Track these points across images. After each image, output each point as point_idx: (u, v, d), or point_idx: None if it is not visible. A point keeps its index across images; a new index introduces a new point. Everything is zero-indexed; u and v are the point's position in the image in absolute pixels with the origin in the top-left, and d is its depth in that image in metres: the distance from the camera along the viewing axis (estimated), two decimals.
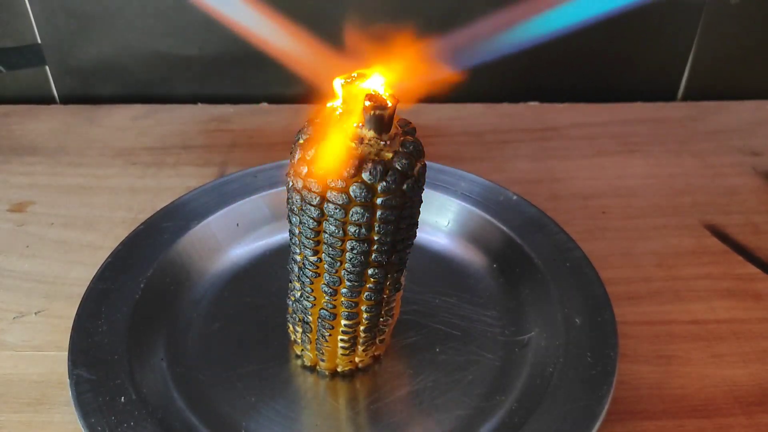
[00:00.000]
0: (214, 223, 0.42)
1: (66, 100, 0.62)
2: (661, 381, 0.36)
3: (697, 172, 0.52)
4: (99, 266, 0.38)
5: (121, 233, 0.41)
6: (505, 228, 0.42)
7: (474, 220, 0.43)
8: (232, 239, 0.43)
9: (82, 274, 0.42)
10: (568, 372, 0.33)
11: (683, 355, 0.38)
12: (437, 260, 0.42)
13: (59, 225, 0.47)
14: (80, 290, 0.37)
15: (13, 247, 0.45)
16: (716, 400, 0.35)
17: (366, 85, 0.28)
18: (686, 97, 0.63)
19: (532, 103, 0.61)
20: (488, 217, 0.42)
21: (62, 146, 0.55)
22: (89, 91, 0.62)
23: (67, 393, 0.32)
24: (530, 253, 0.40)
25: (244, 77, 0.62)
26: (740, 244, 0.45)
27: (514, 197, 0.43)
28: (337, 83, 0.28)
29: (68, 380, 0.32)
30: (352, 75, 0.28)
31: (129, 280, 0.38)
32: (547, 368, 0.34)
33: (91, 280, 0.37)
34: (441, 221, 0.44)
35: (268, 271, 0.42)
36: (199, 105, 0.61)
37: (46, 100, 0.62)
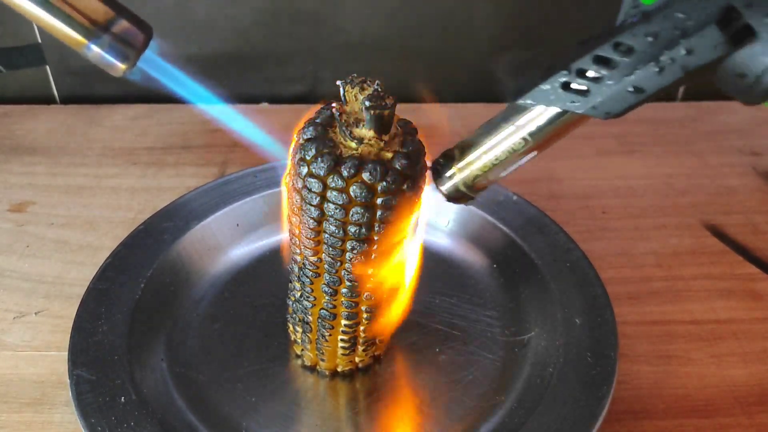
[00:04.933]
0: (214, 223, 0.42)
1: (66, 100, 0.62)
2: (661, 381, 0.36)
3: (697, 172, 0.52)
4: (99, 266, 0.38)
5: (121, 233, 0.41)
6: (505, 228, 0.42)
7: (474, 220, 0.43)
8: (232, 239, 0.43)
9: (82, 274, 0.42)
10: (568, 372, 0.33)
11: (683, 355, 0.38)
12: (437, 260, 0.42)
13: (59, 225, 0.47)
14: (80, 290, 0.37)
15: (13, 247, 0.45)
16: (716, 400, 0.35)
17: (366, 85, 0.28)
18: (686, 97, 0.63)
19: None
20: (488, 217, 0.42)
21: (62, 146, 0.55)
22: (89, 91, 0.62)
23: (67, 393, 0.32)
24: (530, 253, 0.40)
25: (245, 78, 0.62)
26: (740, 244, 0.45)
27: (514, 197, 0.43)
28: (339, 84, 0.28)
29: (68, 380, 0.32)
30: (353, 76, 0.28)
31: (129, 280, 0.38)
32: (547, 368, 0.34)
33: (91, 280, 0.37)
34: (441, 221, 0.44)
35: (268, 271, 0.42)
36: (199, 105, 0.61)
37: (46, 100, 0.62)
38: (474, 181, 0.29)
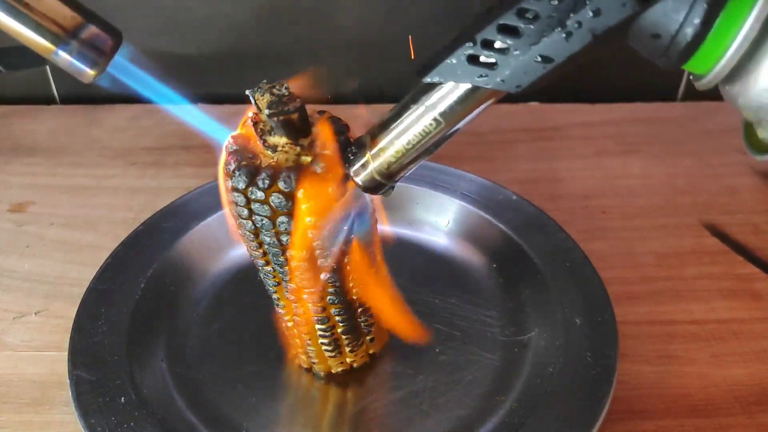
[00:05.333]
0: (214, 223, 0.42)
1: (66, 100, 0.62)
2: (661, 381, 0.36)
3: (696, 172, 0.52)
4: (99, 266, 0.38)
5: (121, 233, 0.41)
6: (504, 228, 0.42)
7: (474, 219, 0.43)
8: (232, 239, 0.43)
9: (82, 274, 0.42)
10: (568, 372, 0.33)
11: (683, 355, 0.38)
12: (437, 260, 0.42)
13: (59, 225, 0.47)
14: (80, 290, 0.37)
15: (13, 247, 0.45)
16: (716, 400, 0.35)
17: (275, 90, 0.27)
18: (686, 97, 0.63)
19: (532, 103, 0.61)
20: (488, 216, 0.42)
21: (62, 146, 0.55)
22: (89, 91, 0.62)
23: (67, 393, 0.32)
24: (530, 253, 0.40)
25: (244, 77, 0.62)
26: (740, 244, 0.45)
27: (514, 197, 0.43)
28: (248, 93, 0.27)
29: (68, 380, 0.32)
30: (263, 82, 0.27)
31: (129, 280, 0.38)
32: (547, 368, 0.34)
33: (91, 281, 0.37)
34: (441, 221, 0.44)
35: None
36: (199, 105, 0.61)
37: (46, 100, 0.62)
38: (389, 169, 0.26)
